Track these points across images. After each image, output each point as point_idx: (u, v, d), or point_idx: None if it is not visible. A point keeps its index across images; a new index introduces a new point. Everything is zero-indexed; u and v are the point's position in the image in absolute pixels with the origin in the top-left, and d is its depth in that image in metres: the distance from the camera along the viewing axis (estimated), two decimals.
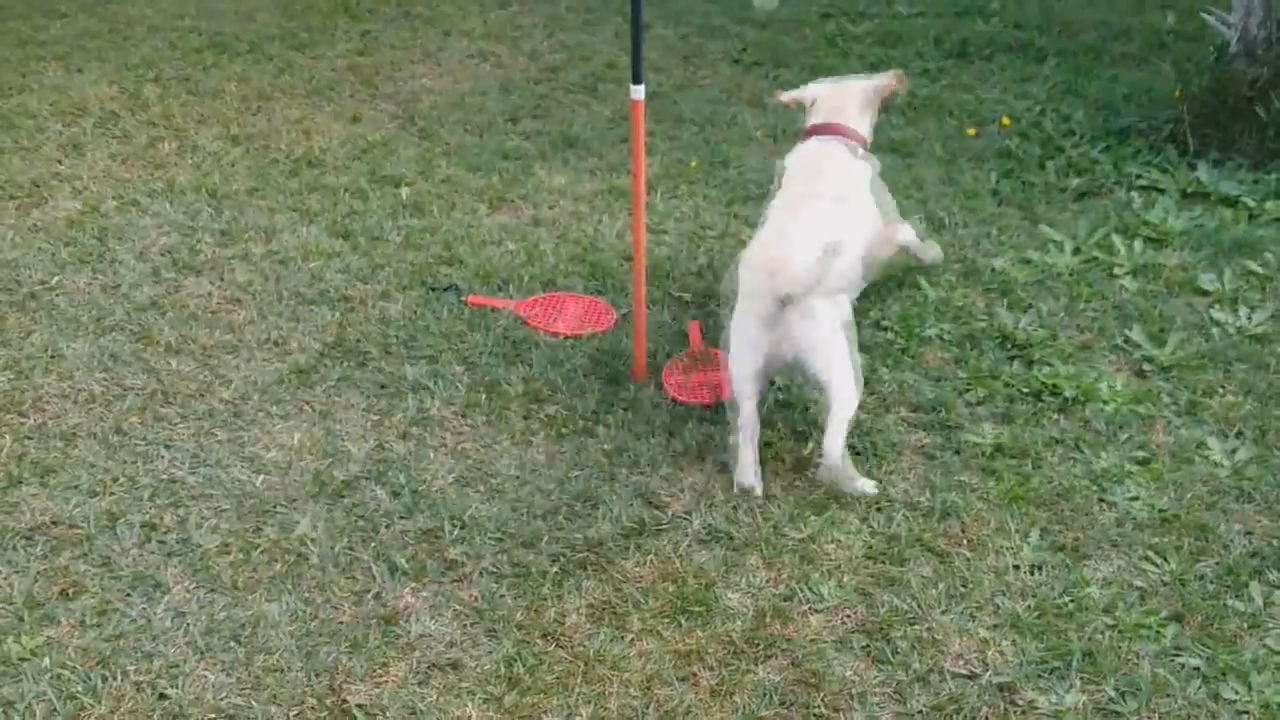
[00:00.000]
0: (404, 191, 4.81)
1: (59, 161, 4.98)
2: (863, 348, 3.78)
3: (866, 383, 3.65)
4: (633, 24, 3.42)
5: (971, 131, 5.32)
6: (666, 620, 2.80)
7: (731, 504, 3.17)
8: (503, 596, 2.86)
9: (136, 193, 4.73)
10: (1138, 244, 4.36)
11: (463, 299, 4.06)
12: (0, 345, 3.75)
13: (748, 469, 3.22)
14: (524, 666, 2.67)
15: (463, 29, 6.73)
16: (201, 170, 4.92)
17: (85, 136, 5.21)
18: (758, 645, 2.73)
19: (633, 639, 2.75)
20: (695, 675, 2.66)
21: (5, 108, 5.47)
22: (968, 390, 3.61)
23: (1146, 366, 3.72)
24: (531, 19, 6.96)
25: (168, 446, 3.34)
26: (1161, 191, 4.75)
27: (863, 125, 3.91)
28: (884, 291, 4.13)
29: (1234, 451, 3.34)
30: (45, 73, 5.91)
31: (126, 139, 5.21)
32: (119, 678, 2.62)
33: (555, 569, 2.94)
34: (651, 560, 2.98)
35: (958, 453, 3.36)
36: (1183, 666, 2.67)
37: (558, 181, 4.95)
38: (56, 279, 4.12)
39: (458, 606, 2.83)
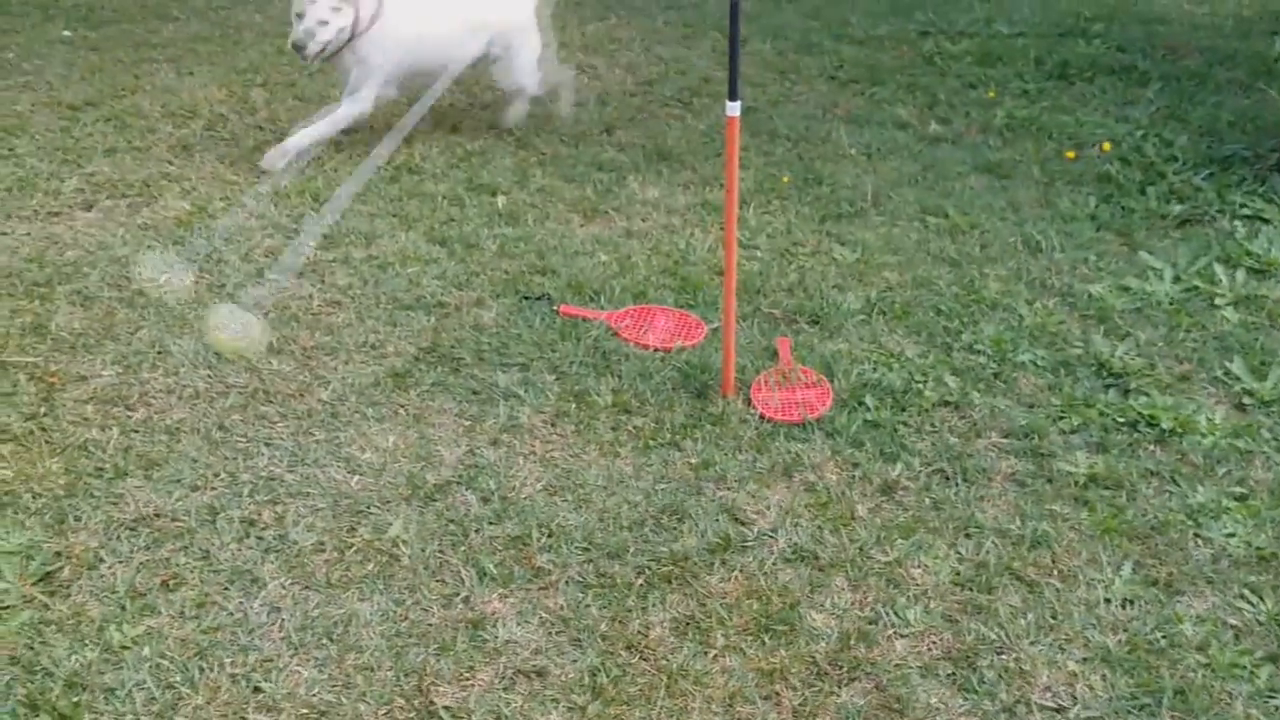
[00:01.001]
0: (500, 200, 4.88)
1: (169, 162, 5.14)
2: (954, 370, 3.78)
3: (957, 406, 3.63)
4: (730, 40, 3.44)
5: (1070, 155, 5.25)
6: (750, 638, 2.81)
7: (818, 523, 3.16)
8: (588, 606, 2.89)
9: (243, 194, 4.86)
10: (1240, 274, 4.27)
11: (555, 308, 4.10)
12: (110, 340, 3.87)
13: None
14: (607, 677, 2.69)
15: (561, 40, 6.80)
16: (306, 175, 5.04)
17: (194, 138, 5.36)
18: (841, 668, 2.73)
19: (716, 655, 2.76)
20: (778, 695, 2.66)
21: (119, 108, 5.65)
22: (1061, 418, 3.57)
23: (1247, 400, 3.64)
24: (629, 32, 7.02)
25: (267, 444, 3.43)
26: (1266, 221, 4.64)
27: None
28: (977, 314, 4.09)
29: None
30: (157, 74, 6.10)
31: (234, 141, 5.36)
32: (215, 670, 2.70)
33: (640, 581, 2.96)
34: (736, 577, 2.99)
35: (1050, 481, 3.32)
36: (1277, 709, 2.61)
37: (651, 194, 4.99)
38: (165, 276, 4.25)
39: (544, 614, 2.86)
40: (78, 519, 3.12)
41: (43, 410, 3.51)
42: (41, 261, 4.27)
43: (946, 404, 3.65)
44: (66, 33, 6.69)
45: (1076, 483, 3.30)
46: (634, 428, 3.54)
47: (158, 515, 3.14)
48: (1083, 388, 3.70)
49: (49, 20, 6.89)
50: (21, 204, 4.69)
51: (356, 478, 3.31)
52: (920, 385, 3.71)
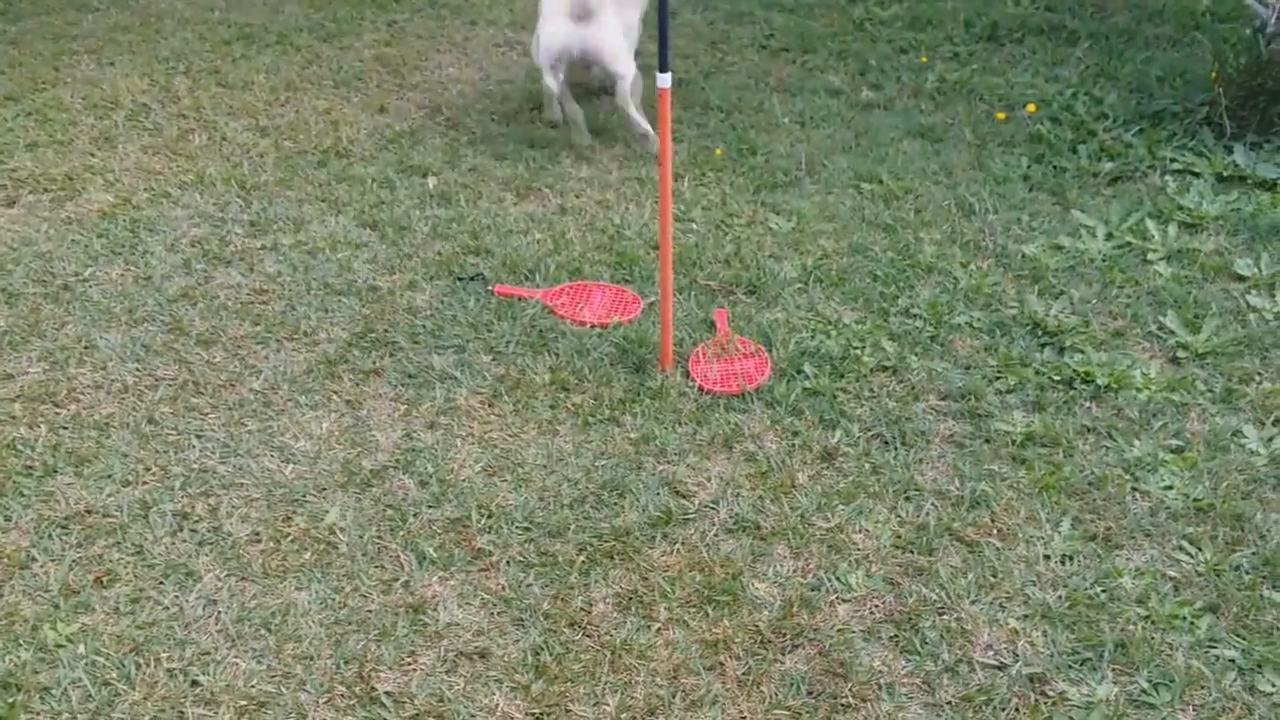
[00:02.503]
0: (431, 181, 4.82)
1: (91, 154, 5.02)
2: (892, 335, 3.78)
3: (894, 370, 3.63)
4: (659, 13, 3.40)
5: (1001, 116, 5.27)
6: (693, 610, 2.80)
7: (759, 493, 3.16)
8: (530, 585, 2.87)
9: (168, 184, 4.76)
10: (1172, 229, 4.31)
11: (490, 288, 4.06)
12: (36, 336, 3.78)
13: (556, 111, 5.16)
14: (551, 655, 2.67)
15: (489, 18, 6.73)
16: (231, 161, 4.94)
17: (117, 129, 5.24)
18: (785, 635, 2.73)
19: (659, 628, 2.75)
20: (722, 665, 2.66)
21: (39, 101, 5.51)
22: (998, 378, 3.58)
23: (1181, 354, 3.67)
24: None
25: (199, 436, 3.37)
26: (1197, 175, 4.69)
27: None
28: (913, 278, 4.10)
29: (1271, 440, 3.29)
30: (78, 66, 5.96)
31: (157, 131, 5.24)
32: (152, 665, 2.65)
33: (582, 558, 2.94)
34: (678, 550, 2.98)
35: (988, 441, 3.33)
36: (1218, 659, 2.65)
37: (584, 171, 4.94)
38: (89, 270, 4.16)
39: (485, 595, 2.84)
40: (8, 518, 3.05)
41: None
42: None
43: (884, 369, 3.65)
44: None
45: (1014, 442, 3.32)
46: (573, 405, 3.51)
47: (89, 512, 3.08)
48: (1018, 347, 3.72)
49: None
50: None
51: (291, 466, 3.26)
52: (858, 351, 3.71)
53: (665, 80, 3.39)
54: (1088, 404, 3.46)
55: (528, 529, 3.05)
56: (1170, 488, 3.14)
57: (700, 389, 3.56)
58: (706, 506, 3.12)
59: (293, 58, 6.04)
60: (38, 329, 3.82)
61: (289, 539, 3.00)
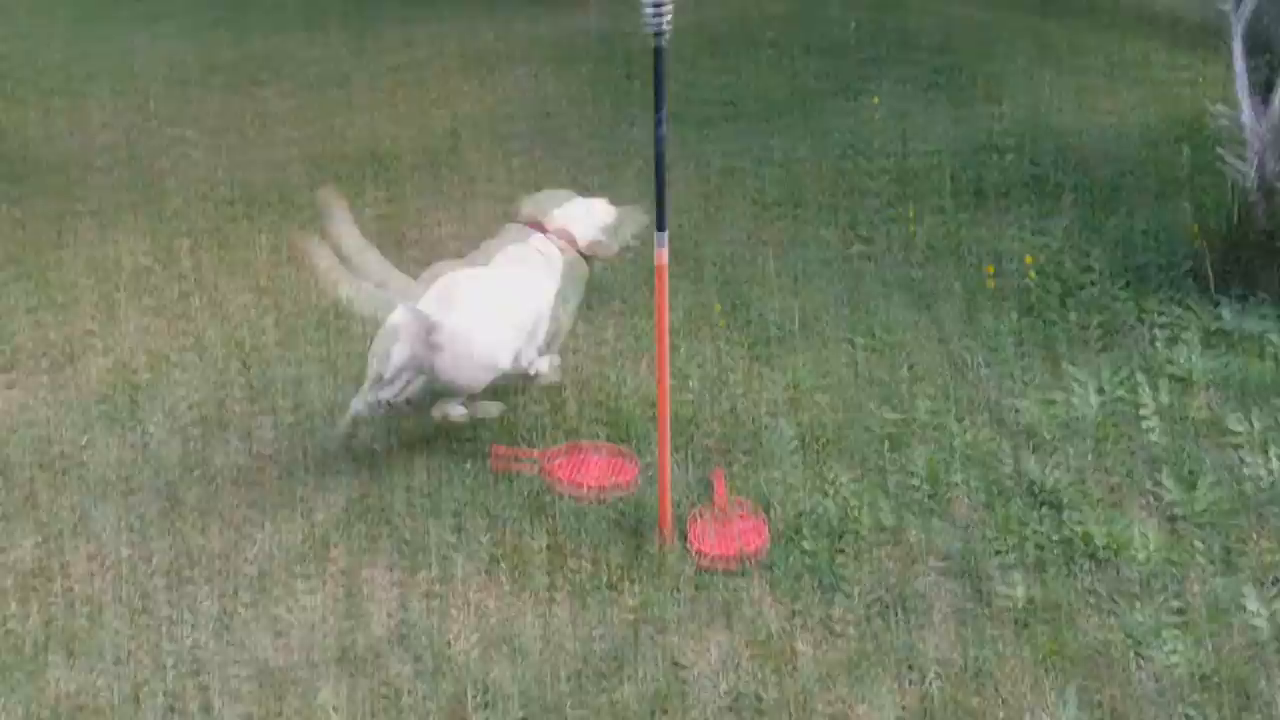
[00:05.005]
0: None
1: (91, 320, 5.07)
2: (889, 496, 3.78)
3: (893, 533, 3.62)
4: (656, 172, 3.50)
5: (990, 271, 5.36)
6: None
7: (759, 665, 3.12)
8: None
9: (167, 350, 4.80)
10: (1163, 386, 4.34)
11: (487, 452, 4.06)
12: (30, 510, 3.77)
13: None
14: None
15: (488, 176, 6.87)
16: (231, 325, 4.99)
17: (118, 294, 5.31)
18: None
19: None
20: None
21: (39, 265, 5.60)
22: (997, 541, 3.57)
23: (1178, 514, 3.67)
24: (554, 164, 7.10)
25: (192, 613, 3.34)
26: (1184, 330, 4.73)
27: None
28: (908, 436, 4.12)
29: (1272, 604, 3.27)
30: (80, 228, 6.06)
31: (158, 295, 5.31)
32: None
33: None
34: None
35: (989, 607, 3.31)
36: None
37: (580, 327, 4.99)
38: (86, 440, 4.17)
39: None
40: None
41: None
42: None
43: (883, 531, 3.64)
44: None
45: (1015, 608, 3.29)
46: (570, 574, 3.49)
47: (79, 695, 3.03)
48: (1016, 508, 3.71)
49: None
50: None
51: (284, 645, 3.22)
52: (856, 513, 3.70)
53: (663, 240, 3.47)
54: (1088, 568, 3.45)
55: (525, 706, 3.00)
56: (1174, 654, 3.11)
57: (698, 554, 3.54)
58: (706, 680, 3.08)
59: (294, 218, 6.15)
60: (32, 502, 3.82)
61: None
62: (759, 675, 3.09)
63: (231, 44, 10.00)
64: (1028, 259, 5.41)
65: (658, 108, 3.44)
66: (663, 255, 3.50)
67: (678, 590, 3.41)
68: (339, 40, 10.00)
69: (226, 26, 10.56)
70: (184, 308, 5.18)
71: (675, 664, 3.14)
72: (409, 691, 3.04)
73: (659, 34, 3.34)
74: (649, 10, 3.29)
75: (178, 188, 6.66)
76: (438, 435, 4.18)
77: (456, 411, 4.01)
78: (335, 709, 2.99)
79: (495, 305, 4.02)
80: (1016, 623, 3.25)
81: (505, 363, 4.01)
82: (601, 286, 5.34)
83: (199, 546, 3.61)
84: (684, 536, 3.62)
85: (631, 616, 3.31)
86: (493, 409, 4.15)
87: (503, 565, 3.52)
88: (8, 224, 6.13)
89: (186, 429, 4.23)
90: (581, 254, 4.34)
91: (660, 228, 3.49)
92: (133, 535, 3.66)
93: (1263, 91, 5.18)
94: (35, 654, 3.17)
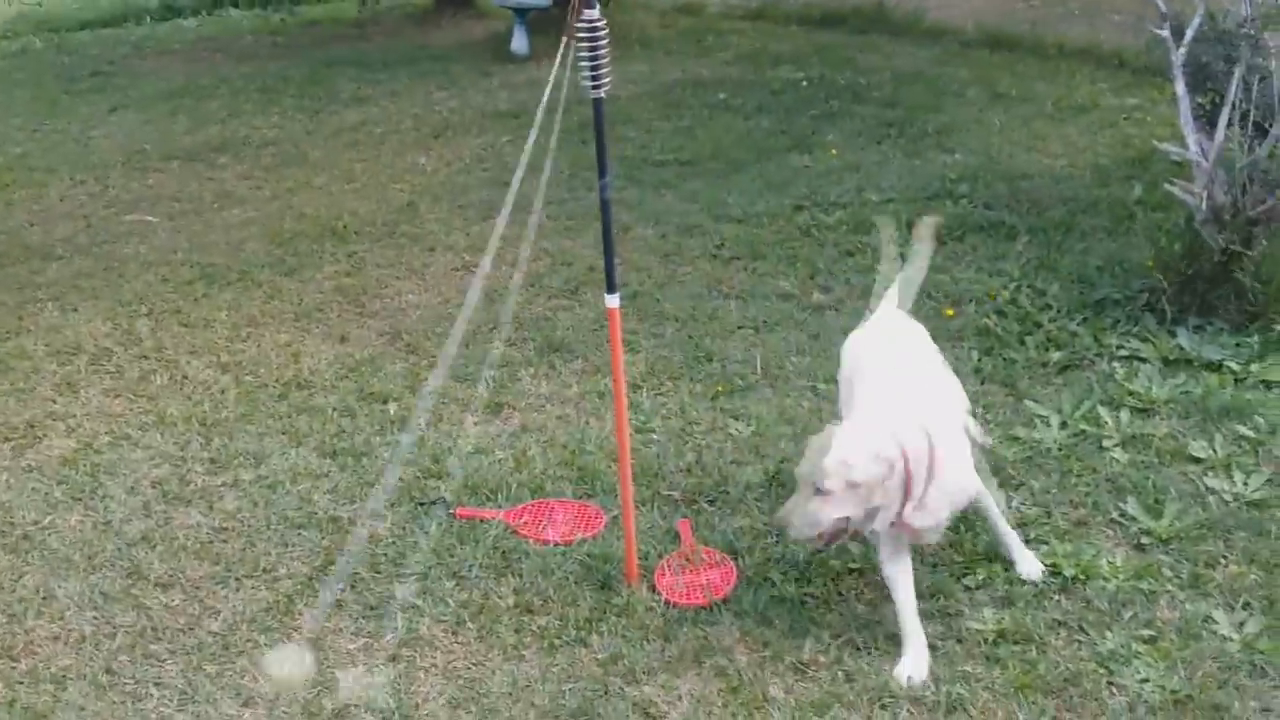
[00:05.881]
0: (391, 408, 4.86)
1: (53, 400, 5.04)
2: (857, 538, 3.76)
3: (862, 573, 3.61)
4: (604, 234, 3.53)
5: (949, 312, 5.40)
6: None
7: (730, 710, 3.09)
8: None
9: (129, 426, 4.77)
10: (1125, 414, 4.37)
11: (451, 512, 4.04)
12: None
13: None
14: None
15: (447, 243, 6.90)
16: (192, 400, 4.97)
17: (79, 374, 5.28)
18: None
19: None
20: None
21: (1, 350, 5.56)
22: (966, 574, 3.56)
23: (1145, 540, 3.68)
24: (513, 229, 7.08)
25: (157, 684, 3.29)
26: (1144, 360, 4.78)
27: None
28: None
29: (1242, 624, 3.27)
30: (41, 314, 6.04)
31: (119, 374, 5.28)
32: None
33: None
34: None
35: (960, 641, 3.29)
36: None
37: (544, 387, 5.00)
38: (49, 518, 4.12)
39: None
40: None
41: None
42: None
43: (851, 571, 3.63)
44: None
45: (986, 640, 3.28)
46: (538, 628, 3.46)
47: None
48: (983, 541, 3.71)
49: None
50: None
51: (250, 711, 3.17)
52: (824, 555, 3.69)
53: (614, 300, 3.50)
54: (1057, 597, 3.44)
55: None
56: (1146, 680, 3.10)
57: (667, 603, 3.52)
58: None
59: (254, 293, 6.15)
60: None
61: None
62: None
63: (189, 129, 10.05)
64: (990, 294, 5.47)
65: (601, 170, 3.49)
66: (614, 312, 3.51)
67: (647, 639, 3.38)
68: (295, 119, 10.07)
69: (185, 112, 10.61)
70: (145, 385, 5.15)
71: (646, 713, 3.11)
72: None
73: (597, 98, 3.39)
74: (587, 74, 3.34)
75: (138, 270, 6.65)
76: (401, 498, 4.15)
77: None
78: None
79: None
80: (987, 656, 3.24)
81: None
82: (564, 346, 5.36)
83: (162, 618, 3.56)
84: (652, 586, 3.60)
85: (600, 668, 3.28)
86: None
87: (469, 624, 3.49)
88: None
89: (149, 502, 4.19)
90: None
91: (610, 289, 3.51)
92: (95, 610, 3.61)
93: (1207, 125, 5.29)
94: None
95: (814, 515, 3.16)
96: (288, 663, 3.33)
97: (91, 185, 8.56)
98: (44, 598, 3.69)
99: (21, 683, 3.31)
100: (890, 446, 3.13)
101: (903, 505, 3.16)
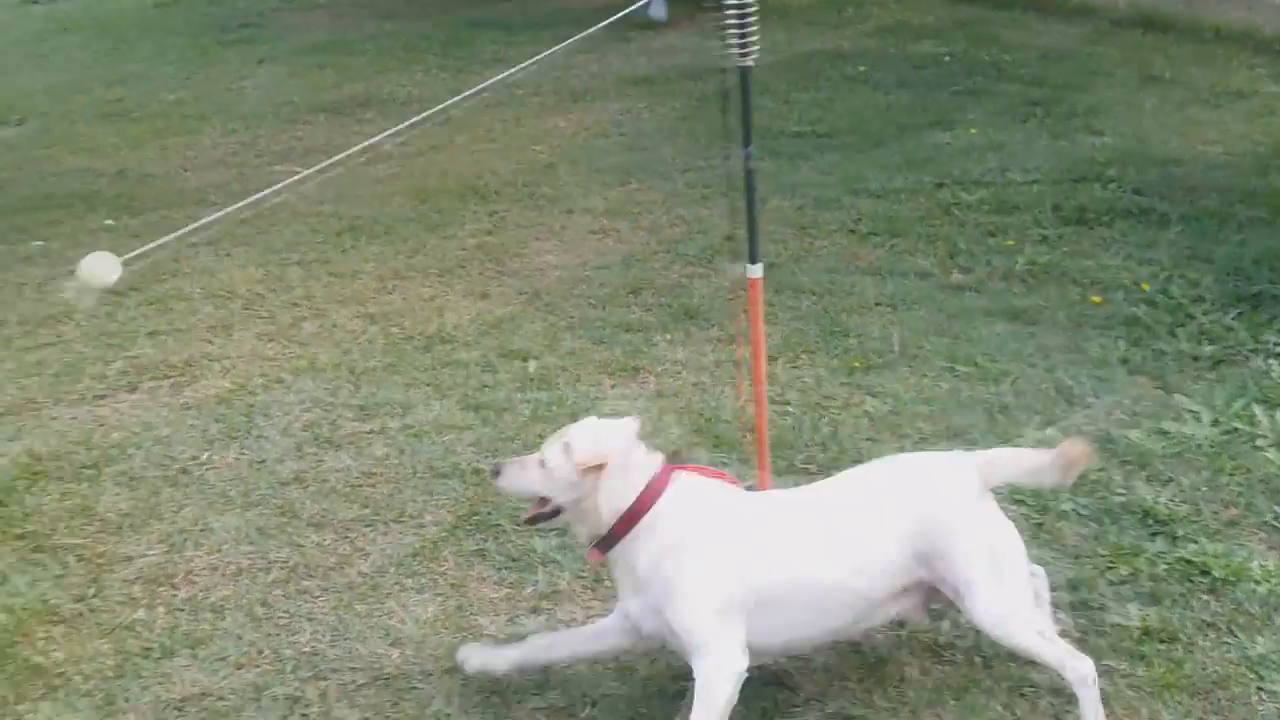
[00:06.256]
0: (531, 365, 4.95)
1: (209, 341, 5.25)
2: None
3: None
4: (747, 204, 3.53)
5: (1097, 300, 5.29)
6: None
7: (866, 686, 3.10)
8: None
9: (281, 370, 4.95)
10: None
11: None
12: (154, 519, 3.91)
13: None
14: None
15: (585, 206, 6.98)
16: (341, 348, 5.13)
17: (233, 317, 5.49)
18: None
19: None
20: None
21: (160, 291, 5.81)
22: (1110, 569, 3.51)
23: None
24: (651, 195, 7.19)
25: (309, 619, 3.42)
26: None
27: None
28: None
29: None
30: (197, 257, 6.28)
31: (271, 319, 5.48)
32: None
33: None
34: None
35: (1103, 635, 3.25)
36: None
37: (679, 353, 5.04)
38: (206, 454, 4.31)
39: None
40: (126, 700, 3.11)
41: (91, 591, 3.54)
42: (89, 444, 4.35)
43: None
44: (109, 222, 6.93)
45: (1131, 636, 3.23)
46: None
47: (204, 695, 3.13)
48: (1129, 536, 3.65)
49: (91, 211, 7.15)
50: (69, 388, 4.80)
51: (398, 650, 3.29)
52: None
53: (756, 270, 3.50)
54: (1205, 597, 3.37)
55: (632, 719, 3.02)
56: None
57: None
58: (813, 700, 3.07)
59: (399, 247, 6.31)
60: (156, 512, 3.95)
61: None
62: (866, 697, 3.08)
63: (336, 83, 10.31)
64: (1144, 286, 5.33)
65: (745, 139, 3.47)
66: (756, 283, 3.52)
67: None
68: (438, 77, 10.25)
69: (332, 67, 10.89)
70: (296, 330, 5.33)
71: (781, 684, 3.13)
72: (518, 701, 3.09)
73: (745, 66, 3.37)
74: (734, 42, 3.32)
75: (288, 220, 6.87)
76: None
77: None
78: (447, 714, 3.04)
79: None
80: (1132, 652, 3.19)
81: None
82: (699, 313, 5.40)
83: (314, 556, 3.71)
84: None
85: None
86: None
87: (606, 581, 3.55)
88: (128, 252, 6.35)
89: (301, 444, 4.35)
90: None
91: (753, 260, 3.52)
92: (251, 545, 3.77)
93: None
94: (162, 653, 3.27)
95: (521, 475, 3.00)
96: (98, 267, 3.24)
97: (242, 134, 8.86)
98: (202, 530, 3.86)
99: (182, 609, 3.48)
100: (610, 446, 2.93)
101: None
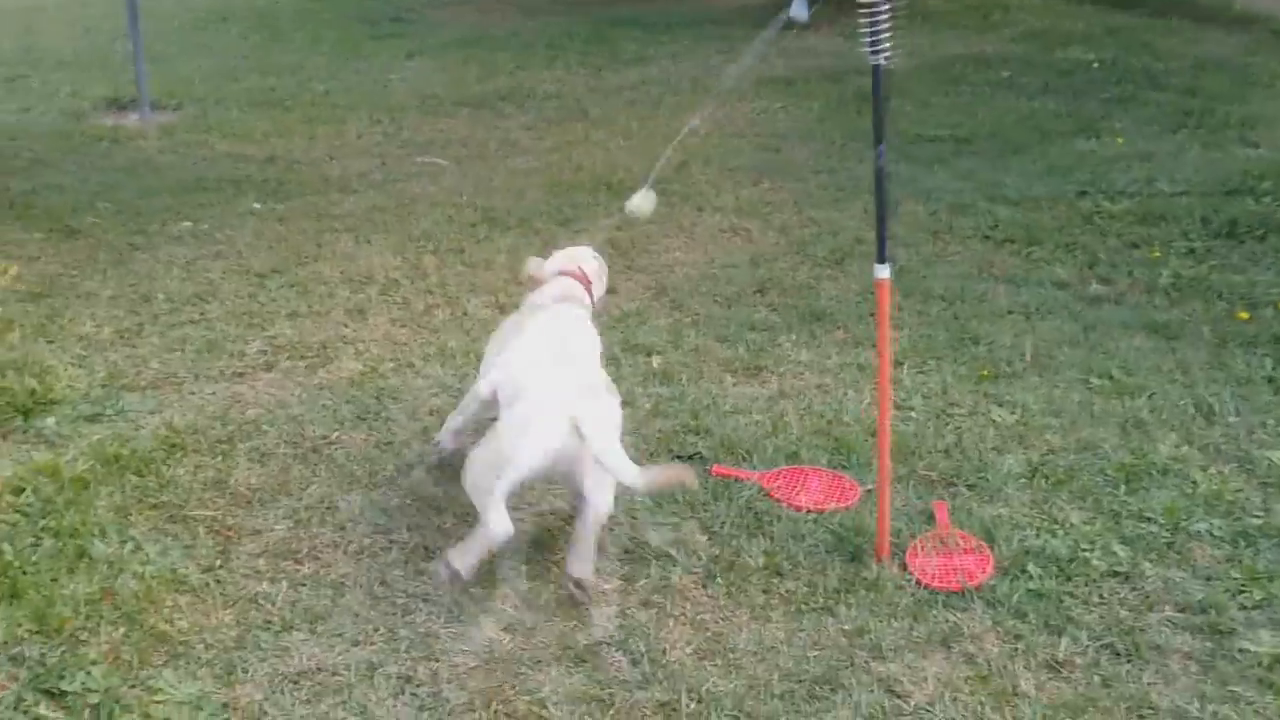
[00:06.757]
0: (654, 360, 4.98)
1: (345, 325, 5.41)
2: (1123, 539, 3.63)
3: (1127, 577, 3.48)
4: (878, 204, 3.49)
5: (1243, 315, 5.08)
6: None
7: (979, 699, 3.04)
8: None
9: (412, 355, 5.08)
10: None
11: (708, 469, 4.12)
12: (284, 494, 4.04)
13: None
14: None
15: (716, 204, 6.99)
16: (471, 336, 5.23)
17: (369, 302, 5.65)
18: None
19: None
20: None
21: (301, 274, 6.01)
22: (1242, 592, 3.38)
23: None
24: (782, 195, 7.16)
25: (426, 600, 3.50)
26: None
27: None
28: (1146, 480, 3.94)
29: None
30: (337, 243, 6.48)
31: (405, 305, 5.62)
32: None
33: None
34: None
35: (1231, 661, 3.13)
36: None
37: (803, 355, 5.01)
38: (336, 434, 4.44)
39: None
40: (245, 670, 3.22)
41: (219, 563, 3.67)
42: (225, 419, 4.52)
43: (1116, 574, 3.50)
44: (256, 205, 7.19)
45: (1261, 663, 3.11)
46: (786, 591, 3.49)
47: (319, 669, 3.22)
48: (1265, 560, 3.50)
49: (240, 194, 7.42)
50: (210, 365, 5.00)
51: (509, 636, 3.34)
52: (1087, 554, 3.57)
53: (884, 271, 3.46)
54: None
55: (737, 717, 3.02)
56: None
57: (918, 583, 3.49)
58: (922, 709, 3.03)
59: (531, 240, 6.40)
60: (286, 488, 4.08)
61: (503, 711, 3.06)
62: (978, 709, 3.02)
63: (479, 78, 10.52)
64: None
65: (877, 138, 3.43)
66: (884, 284, 3.48)
67: (895, 617, 3.36)
68: (578, 74, 10.38)
69: (476, 62, 11.11)
70: (429, 317, 5.46)
71: (890, 690, 3.09)
72: (625, 694, 3.10)
73: (877, 65, 3.32)
74: (868, 40, 3.29)
75: (426, 210, 7.04)
76: (660, 450, 4.26)
77: None
78: (553, 702, 3.08)
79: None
80: (1261, 680, 3.06)
81: None
82: (825, 315, 5.35)
83: (435, 539, 3.78)
84: (903, 565, 3.58)
85: (846, 639, 3.28)
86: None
87: (719, 579, 3.56)
88: (274, 236, 6.61)
89: (428, 428, 4.45)
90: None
91: (881, 260, 3.48)
92: (374, 524, 3.87)
93: None
94: (282, 627, 3.38)
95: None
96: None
97: (387, 125, 9.10)
98: (328, 508, 3.98)
99: (304, 584, 3.59)
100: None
101: None
